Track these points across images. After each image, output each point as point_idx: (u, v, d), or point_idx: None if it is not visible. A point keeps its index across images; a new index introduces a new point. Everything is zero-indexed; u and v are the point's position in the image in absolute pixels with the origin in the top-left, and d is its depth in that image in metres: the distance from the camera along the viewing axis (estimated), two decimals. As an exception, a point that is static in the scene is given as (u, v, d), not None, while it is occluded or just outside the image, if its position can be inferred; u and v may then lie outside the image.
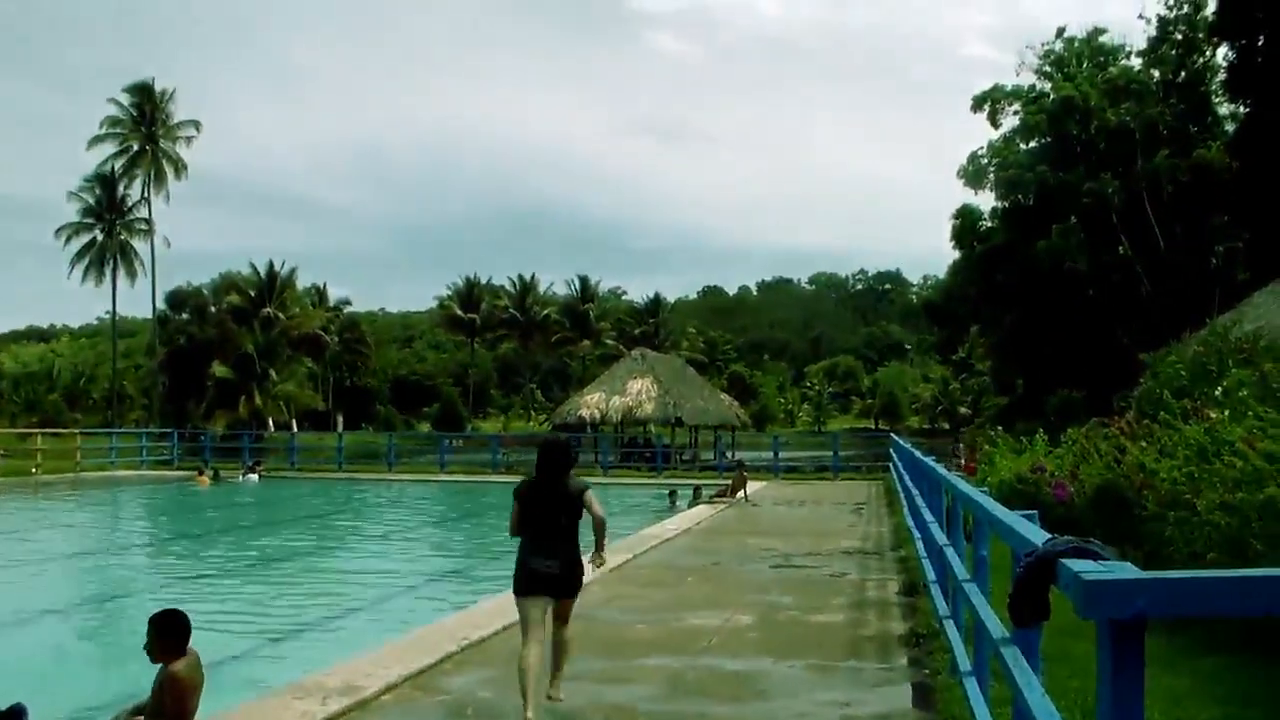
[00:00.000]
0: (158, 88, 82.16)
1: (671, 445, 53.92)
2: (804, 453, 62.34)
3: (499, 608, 12.70)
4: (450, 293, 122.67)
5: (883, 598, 13.84)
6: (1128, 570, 2.81)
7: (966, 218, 64.93)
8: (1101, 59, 63.18)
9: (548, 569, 8.44)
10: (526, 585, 8.48)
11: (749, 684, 9.33)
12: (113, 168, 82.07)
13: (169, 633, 7.84)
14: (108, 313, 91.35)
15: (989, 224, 64.89)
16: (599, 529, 8.72)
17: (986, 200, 65.65)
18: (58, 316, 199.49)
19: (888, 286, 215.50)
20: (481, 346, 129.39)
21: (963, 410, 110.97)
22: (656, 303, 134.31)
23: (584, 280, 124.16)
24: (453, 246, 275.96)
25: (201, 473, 42.70)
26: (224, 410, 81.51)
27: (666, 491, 32.35)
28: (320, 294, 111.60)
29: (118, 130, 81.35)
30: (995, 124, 64.44)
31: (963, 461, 25.92)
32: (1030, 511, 5.61)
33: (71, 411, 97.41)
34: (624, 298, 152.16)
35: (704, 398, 56.59)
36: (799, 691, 9.07)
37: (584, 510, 8.57)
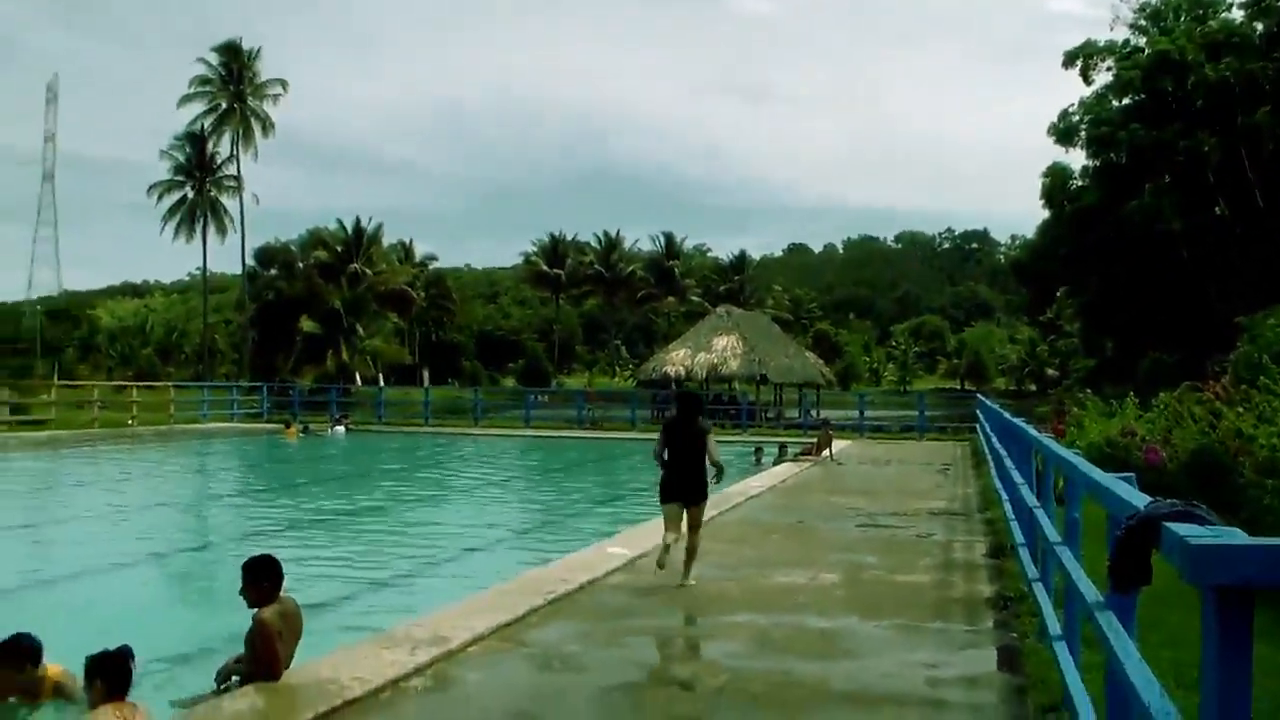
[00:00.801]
0: (244, 47, 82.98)
1: (756, 403, 53.82)
2: (889, 412, 62.07)
3: (584, 562, 12.81)
4: (535, 249, 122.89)
5: (969, 559, 13.73)
6: (1236, 535, 2.75)
7: (1057, 176, 63.86)
8: (1200, 12, 61.51)
9: (682, 481, 12.07)
10: (668, 493, 12.15)
11: (835, 643, 9.30)
12: (202, 126, 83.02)
13: (258, 578, 8.02)
14: (199, 269, 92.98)
15: (1080, 183, 63.77)
16: (715, 466, 12.19)
17: (1078, 158, 64.49)
18: (151, 272, 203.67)
19: (975, 246, 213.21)
20: (566, 302, 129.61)
21: (1050, 372, 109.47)
22: (742, 260, 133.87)
23: (669, 237, 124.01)
24: (536, 204, 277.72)
25: (290, 426, 43.31)
26: (312, 365, 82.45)
27: (752, 449, 32.28)
28: (406, 250, 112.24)
29: (206, 89, 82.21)
30: (1087, 80, 63.12)
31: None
32: (1128, 474, 5.51)
33: (164, 365, 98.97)
34: (709, 255, 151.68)
35: (789, 355, 56.40)
36: (885, 651, 9.03)
37: (708, 447, 12.10)
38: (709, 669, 8.63)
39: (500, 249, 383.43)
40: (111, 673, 7.16)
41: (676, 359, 53.71)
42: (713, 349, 52.82)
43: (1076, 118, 62.82)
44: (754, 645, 9.27)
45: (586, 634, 9.48)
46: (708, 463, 12.17)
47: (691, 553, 12.11)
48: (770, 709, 7.43)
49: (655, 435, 12.67)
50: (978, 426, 33.80)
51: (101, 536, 18.84)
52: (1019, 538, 12.12)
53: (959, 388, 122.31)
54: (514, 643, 9.14)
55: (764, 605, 10.81)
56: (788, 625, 9.94)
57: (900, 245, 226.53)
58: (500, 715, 7.26)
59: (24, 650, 7.93)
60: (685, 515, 12.10)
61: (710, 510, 16.54)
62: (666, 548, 11.90)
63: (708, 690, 7.94)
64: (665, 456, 12.19)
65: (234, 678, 8.00)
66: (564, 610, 10.44)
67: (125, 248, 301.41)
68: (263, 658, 7.76)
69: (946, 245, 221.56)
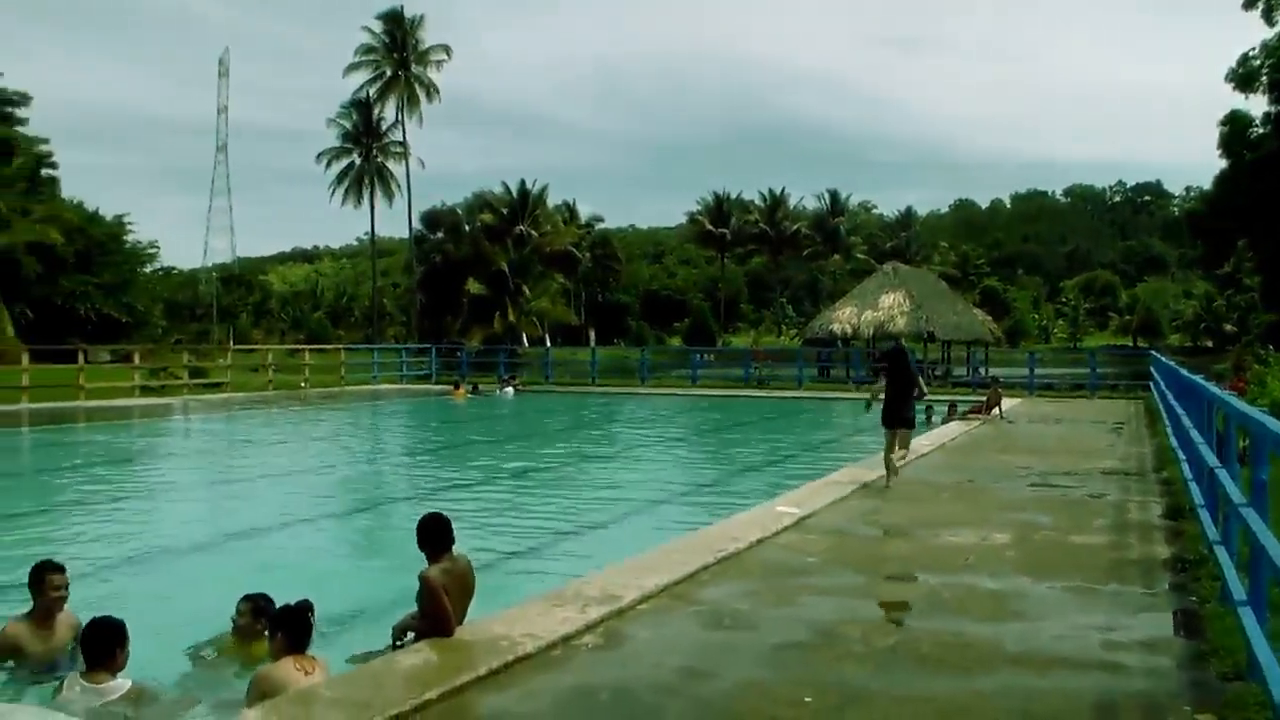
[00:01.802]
0: (407, 14, 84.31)
1: (924, 360, 53.22)
2: (1059, 370, 60.92)
3: (754, 520, 12.85)
4: (700, 208, 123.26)
5: (1145, 520, 13.43)
6: None
7: (1235, 124, 61.46)
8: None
9: (897, 412, 17.04)
10: (888, 421, 17.08)
11: (1006, 604, 9.18)
12: (368, 94, 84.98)
13: (420, 535, 8.28)
14: (367, 233, 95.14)
15: (1260, 130, 61.32)
16: (919, 396, 17.88)
17: (1258, 105, 61.93)
18: (320, 238, 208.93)
19: (1147, 198, 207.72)
20: (731, 261, 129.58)
21: (1228, 328, 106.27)
22: (908, 216, 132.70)
23: (834, 194, 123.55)
24: (699, 163, 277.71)
25: (459, 386, 44.02)
26: (479, 326, 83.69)
27: (921, 407, 31.80)
28: (571, 211, 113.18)
29: (372, 57, 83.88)
30: (1270, 21, 60.38)
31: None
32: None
33: (334, 328, 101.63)
34: (874, 212, 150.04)
35: (956, 312, 55.58)
36: (1058, 614, 8.89)
37: (917, 382, 17.53)
38: (879, 629, 8.59)
39: (664, 209, 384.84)
40: (292, 626, 7.42)
41: (843, 317, 53.41)
42: (879, 306, 52.41)
43: (1257, 61, 60.17)
44: (924, 605, 9.23)
45: (756, 592, 9.49)
46: (914, 395, 17.38)
47: (903, 459, 17.25)
48: (940, 670, 7.37)
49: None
50: (1151, 384, 33.00)
51: (279, 494, 19.41)
52: (1198, 499, 11.83)
53: (1131, 344, 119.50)
54: (684, 600, 9.21)
55: (934, 565, 10.73)
56: (958, 586, 9.85)
57: (1069, 199, 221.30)
58: (670, 672, 7.32)
59: (266, 611, 8.23)
60: (897, 437, 16.95)
61: (878, 469, 16.70)
62: (889, 462, 16.62)
63: (877, 650, 7.90)
64: (883, 396, 17.25)
65: (409, 634, 8.19)
66: (733, 569, 10.47)
67: (295, 214, 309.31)
68: (431, 614, 7.94)
69: (1117, 198, 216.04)
